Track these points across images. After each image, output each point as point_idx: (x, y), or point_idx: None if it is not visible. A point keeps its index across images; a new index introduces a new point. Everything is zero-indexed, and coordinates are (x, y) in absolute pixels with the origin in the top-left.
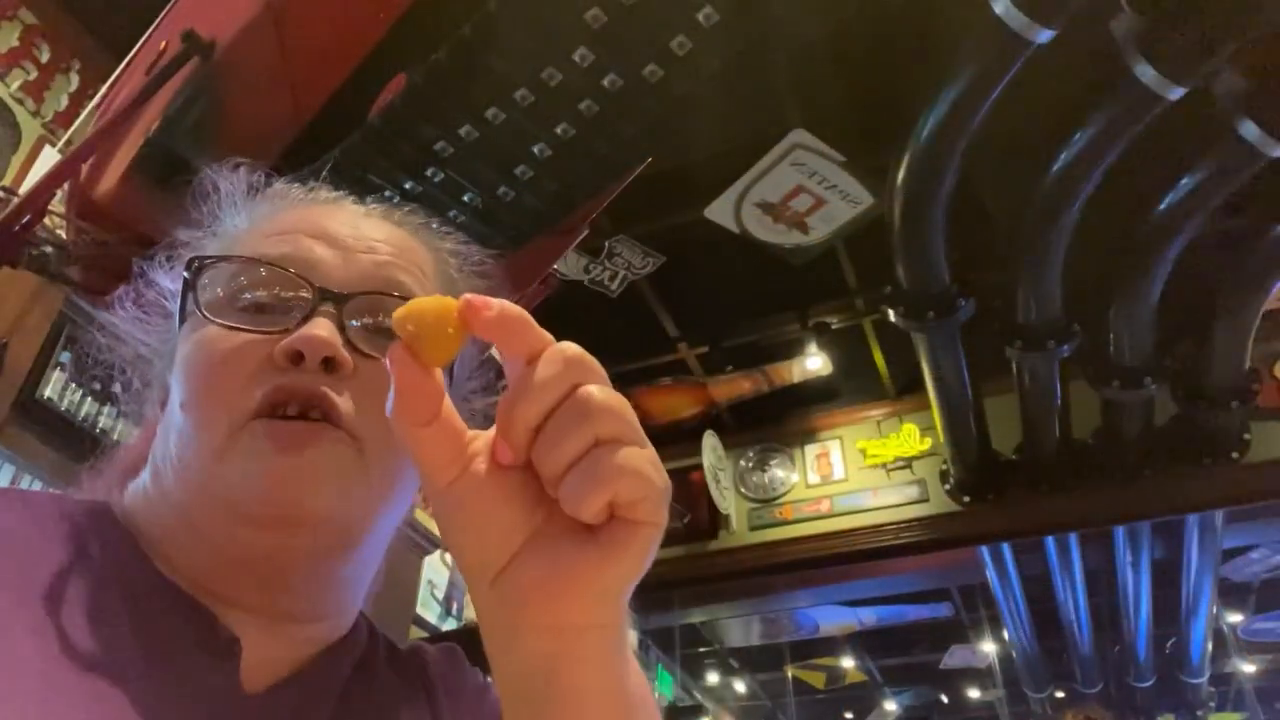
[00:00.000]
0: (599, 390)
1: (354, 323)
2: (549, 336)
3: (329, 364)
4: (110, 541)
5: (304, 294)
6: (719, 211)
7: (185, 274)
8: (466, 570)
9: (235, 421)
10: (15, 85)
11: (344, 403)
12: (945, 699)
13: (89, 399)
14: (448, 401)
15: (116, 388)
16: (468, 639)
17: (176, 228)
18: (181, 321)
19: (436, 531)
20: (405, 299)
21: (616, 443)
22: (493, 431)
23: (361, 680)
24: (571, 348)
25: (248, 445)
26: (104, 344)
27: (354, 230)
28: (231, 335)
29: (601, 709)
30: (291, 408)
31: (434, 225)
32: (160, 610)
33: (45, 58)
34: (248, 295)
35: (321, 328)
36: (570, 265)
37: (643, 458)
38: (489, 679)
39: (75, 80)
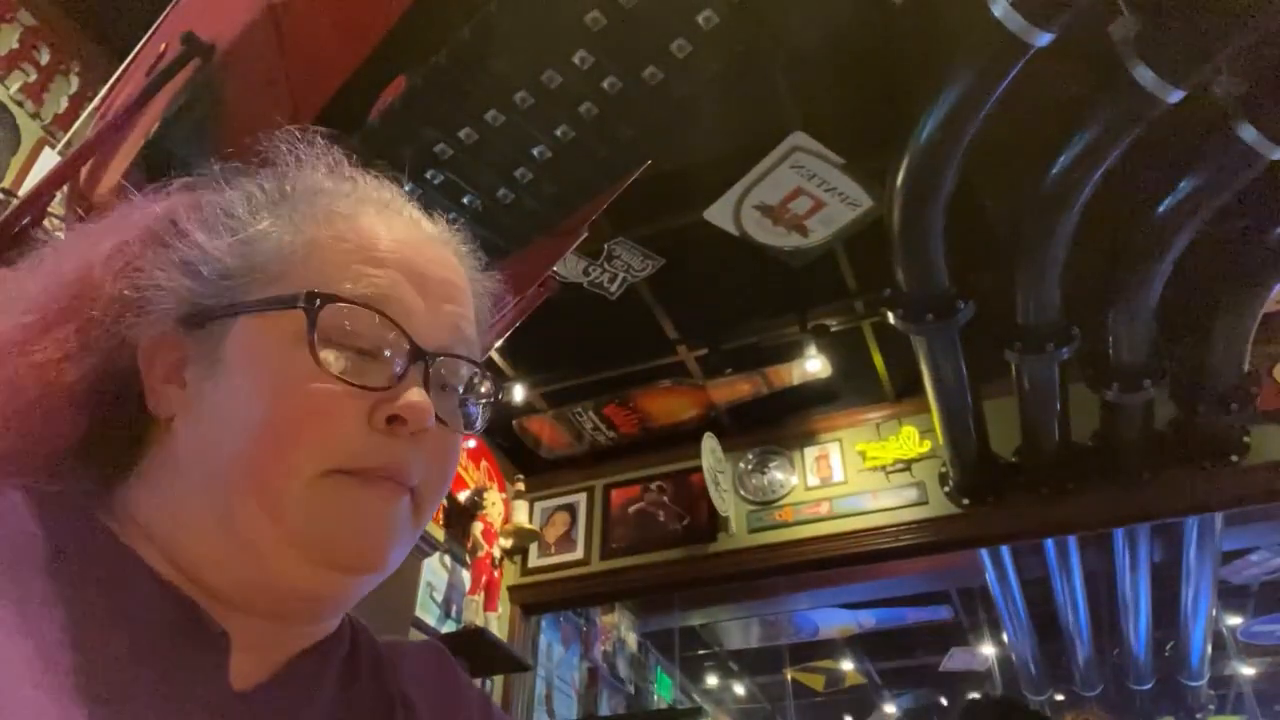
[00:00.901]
0: None
1: (436, 390)
2: None
3: (417, 433)
4: (93, 537)
5: (402, 345)
6: (718, 214)
7: (302, 305)
8: None
9: (323, 470)
10: (15, 87)
11: (417, 470)
12: (945, 701)
13: None
14: None
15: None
16: (469, 642)
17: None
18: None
19: (435, 535)
20: (473, 362)
21: None
22: None
23: (347, 679)
24: None
25: (330, 496)
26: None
27: (438, 272)
28: (328, 378)
29: None
30: (383, 474)
31: (470, 252)
32: (146, 605)
33: (45, 60)
34: (350, 340)
35: (420, 395)
36: (569, 267)
37: None
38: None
39: (75, 82)
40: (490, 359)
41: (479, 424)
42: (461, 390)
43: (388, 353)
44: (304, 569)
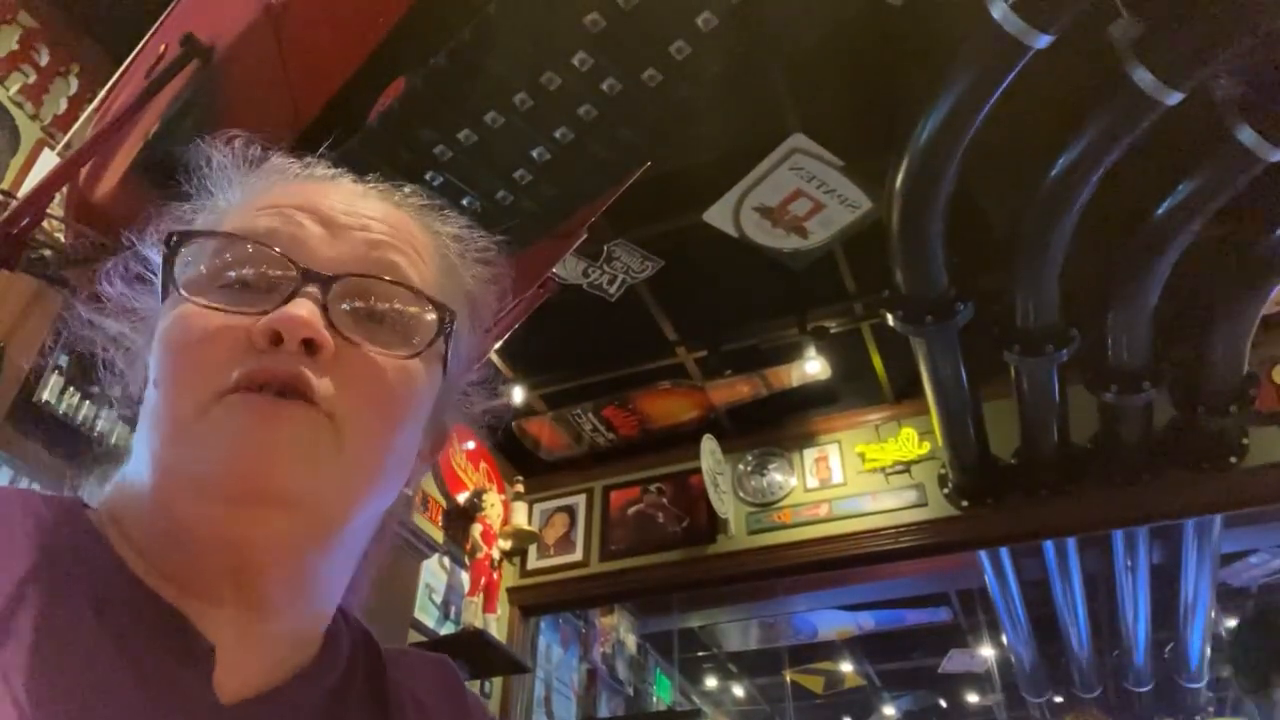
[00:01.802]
0: None
1: (343, 306)
2: None
3: (309, 345)
4: (81, 543)
5: (289, 274)
6: (718, 215)
7: (164, 248)
8: None
9: (208, 399)
10: (14, 89)
11: (323, 385)
12: (944, 703)
13: (87, 402)
14: None
15: (101, 373)
16: (468, 644)
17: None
18: (163, 299)
19: (435, 536)
20: (396, 282)
21: None
22: None
23: (340, 692)
24: None
25: (219, 420)
26: (85, 320)
27: (348, 207)
28: (209, 314)
29: None
30: (268, 390)
31: (438, 207)
32: (132, 617)
33: (44, 61)
34: (230, 273)
35: (302, 308)
36: (569, 269)
37: None
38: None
39: (74, 84)
40: (490, 359)
41: (421, 346)
42: (401, 320)
43: (276, 280)
44: (203, 511)
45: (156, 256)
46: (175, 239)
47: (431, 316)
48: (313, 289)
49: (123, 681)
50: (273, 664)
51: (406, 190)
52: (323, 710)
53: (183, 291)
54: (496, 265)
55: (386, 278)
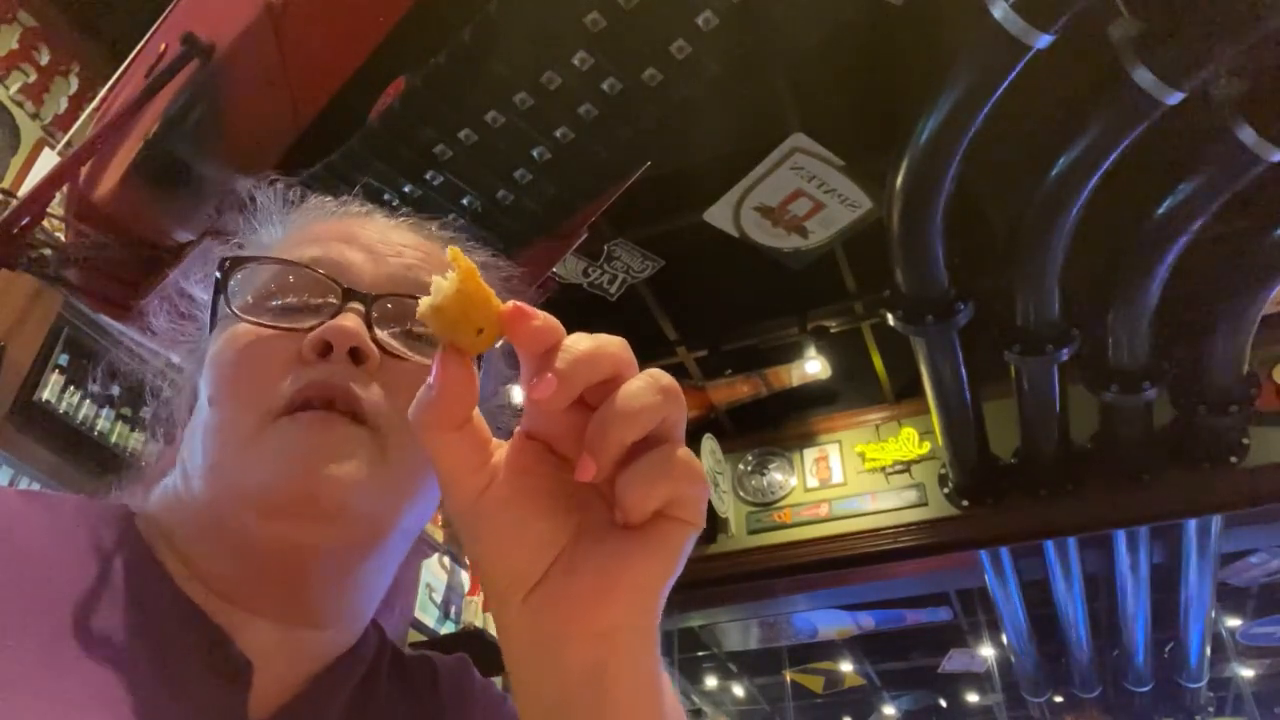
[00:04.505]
0: (682, 414)
1: (384, 329)
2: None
3: (355, 355)
4: (129, 554)
5: (332, 297)
6: (718, 215)
7: (217, 274)
8: (495, 587)
9: (263, 416)
10: (15, 88)
11: (369, 396)
12: (944, 703)
13: (87, 401)
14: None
15: (146, 406)
16: (468, 644)
17: (183, 231)
18: (212, 325)
19: (435, 536)
20: None
21: (676, 443)
22: (513, 442)
23: (363, 697)
24: (663, 377)
25: (276, 439)
26: (130, 357)
27: (383, 237)
28: (260, 332)
29: (651, 710)
30: (318, 404)
31: (467, 239)
32: (174, 628)
33: (45, 61)
34: (276, 300)
35: (349, 320)
36: (569, 268)
37: (694, 459)
38: (505, 692)
39: (75, 83)
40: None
41: None
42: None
43: (321, 305)
44: (262, 528)
45: (201, 293)
46: (228, 264)
47: None
48: (356, 305)
49: (160, 691)
50: (306, 675)
51: (438, 224)
52: (350, 700)
53: (235, 311)
54: (522, 292)
55: (422, 297)
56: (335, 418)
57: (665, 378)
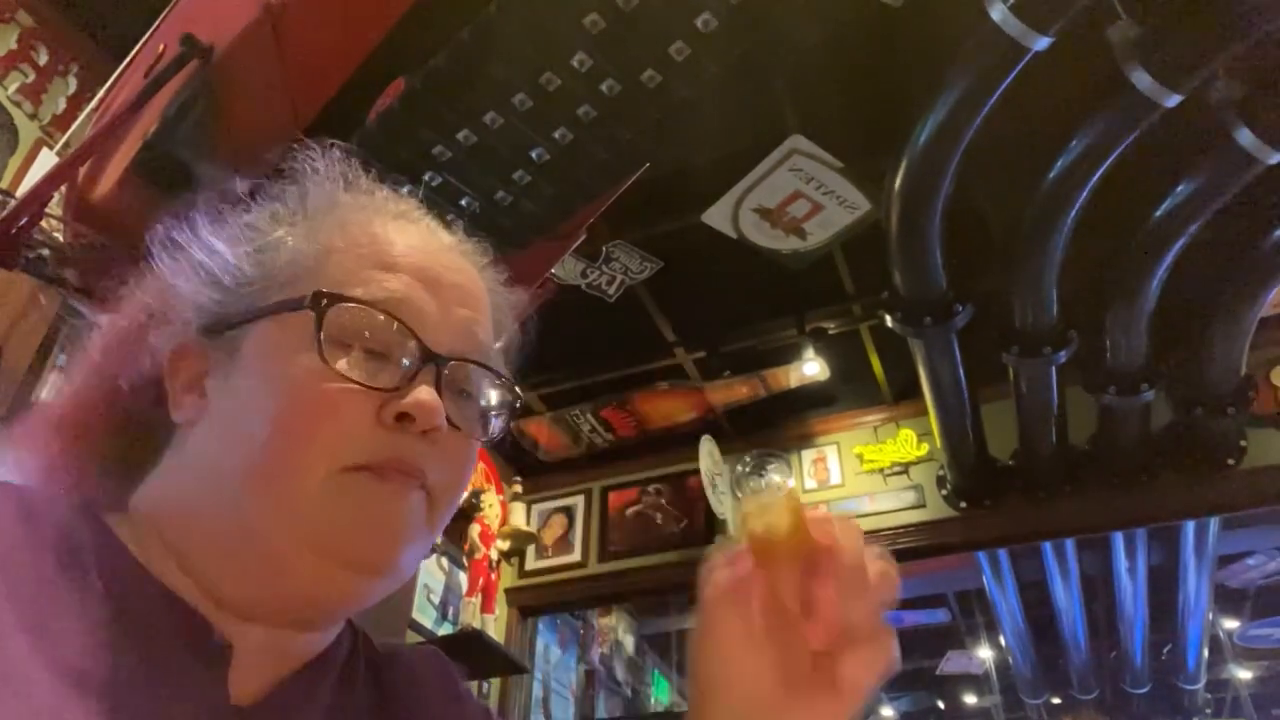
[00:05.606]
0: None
1: (448, 392)
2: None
3: (429, 432)
4: (100, 543)
5: (408, 359)
6: (716, 216)
7: (310, 306)
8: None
9: (336, 468)
10: (13, 88)
11: (432, 470)
12: (941, 705)
13: None
14: None
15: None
16: (463, 644)
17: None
18: (252, 317)
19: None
20: (488, 368)
21: (891, 631)
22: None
23: (343, 690)
24: (893, 574)
25: (356, 492)
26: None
27: (451, 277)
28: (337, 377)
29: None
30: (396, 473)
31: (487, 261)
32: (150, 614)
33: (43, 60)
34: (358, 344)
35: (429, 394)
36: (568, 270)
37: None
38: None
39: (73, 83)
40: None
41: (496, 431)
42: (478, 397)
43: (399, 355)
44: (319, 569)
45: (228, 252)
46: (325, 302)
47: (502, 396)
48: (430, 370)
49: (137, 674)
50: (288, 663)
51: (472, 243)
52: (332, 688)
53: (325, 358)
54: (519, 309)
55: (479, 360)
56: (412, 487)
57: (893, 575)
